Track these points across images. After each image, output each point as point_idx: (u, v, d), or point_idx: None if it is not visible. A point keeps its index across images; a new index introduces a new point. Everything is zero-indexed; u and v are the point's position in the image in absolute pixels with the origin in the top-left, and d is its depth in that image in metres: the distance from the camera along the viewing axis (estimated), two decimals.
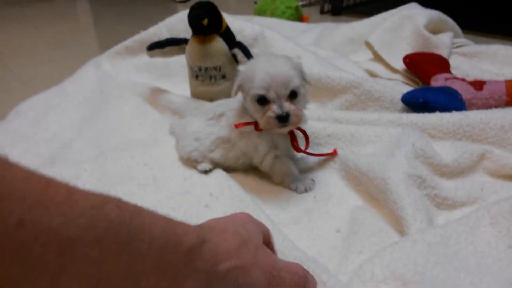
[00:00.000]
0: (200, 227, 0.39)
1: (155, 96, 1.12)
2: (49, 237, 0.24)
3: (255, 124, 0.75)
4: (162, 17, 1.37)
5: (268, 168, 0.79)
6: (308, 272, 0.49)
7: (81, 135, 1.01)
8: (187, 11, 1.01)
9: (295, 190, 0.79)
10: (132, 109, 1.08)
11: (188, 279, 0.34)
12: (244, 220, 0.47)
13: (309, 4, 2.71)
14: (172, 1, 3.08)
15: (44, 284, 0.24)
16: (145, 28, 1.38)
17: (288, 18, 1.90)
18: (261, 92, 0.69)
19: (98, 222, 0.27)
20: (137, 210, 0.31)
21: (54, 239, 0.24)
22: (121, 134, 0.99)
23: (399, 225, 0.64)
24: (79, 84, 1.26)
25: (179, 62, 1.19)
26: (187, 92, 1.12)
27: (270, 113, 0.70)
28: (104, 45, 1.45)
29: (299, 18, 1.99)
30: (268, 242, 0.49)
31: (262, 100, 0.70)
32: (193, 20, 0.96)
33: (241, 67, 0.75)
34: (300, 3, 2.20)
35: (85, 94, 1.21)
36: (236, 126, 0.77)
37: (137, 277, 0.30)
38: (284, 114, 0.69)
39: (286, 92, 0.69)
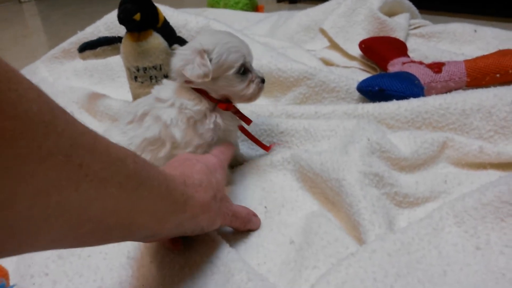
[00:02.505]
0: (185, 183, 0.48)
1: (93, 102, 1.02)
2: (93, 176, 0.33)
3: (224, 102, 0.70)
4: None
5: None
6: (254, 214, 0.63)
7: None
8: None
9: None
10: None
11: (169, 222, 0.46)
12: (215, 166, 0.57)
13: None
14: None
15: (83, 209, 0.34)
16: None
17: (242, 9, 1.82)
18: (242, 61, 0.68)
19: (122, 169, 0.37)
20: (146, 164, 0.42)
21: (96, 178, 0.34)
22: None
23: (356, 231, 0.57)
24: None
25: (121, 63, 1.09)
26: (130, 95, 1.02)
27: (257, 80, 0.70)
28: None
29: (254, 8, 1.90)
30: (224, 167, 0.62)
31: (244, 70, 0.69)
32: (123, 16, 0.85)
33: (204, 46, 0.65)
34: None
35: None
36: (220, 106, 0.69)
37: (136, 214, 0.40)
38: (262, 75, 0.72)
39: (251, 59, 0.71)
